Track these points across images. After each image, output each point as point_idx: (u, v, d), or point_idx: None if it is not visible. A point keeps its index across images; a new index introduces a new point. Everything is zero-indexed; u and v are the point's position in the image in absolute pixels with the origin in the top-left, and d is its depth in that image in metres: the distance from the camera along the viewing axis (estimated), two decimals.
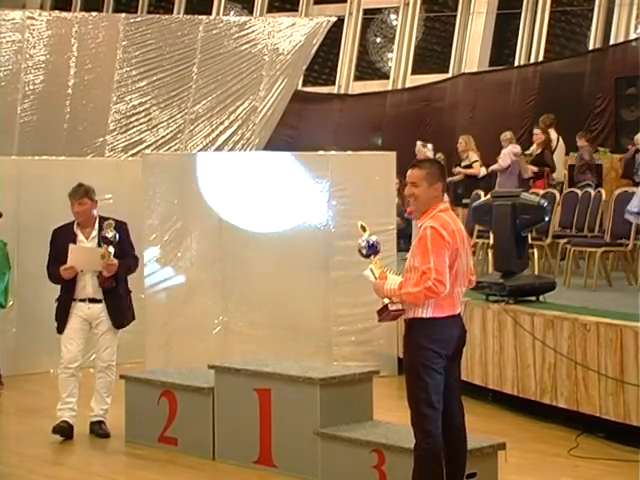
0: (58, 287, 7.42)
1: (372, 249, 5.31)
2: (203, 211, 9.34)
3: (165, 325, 9.07)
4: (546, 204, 8.52)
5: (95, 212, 7.40)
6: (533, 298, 8.20)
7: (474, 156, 13.31)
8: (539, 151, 12.49)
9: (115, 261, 7.14)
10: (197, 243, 9.29)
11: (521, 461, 6.38)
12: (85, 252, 7.32)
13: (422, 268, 5.00)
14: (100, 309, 7.29)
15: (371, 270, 5.29)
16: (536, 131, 12.77)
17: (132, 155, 14.09)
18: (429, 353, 5.06)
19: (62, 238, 7.35)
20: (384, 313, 5.19)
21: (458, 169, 13.32)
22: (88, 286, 7.29)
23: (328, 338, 9.37)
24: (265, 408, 6.43)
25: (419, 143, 13.18)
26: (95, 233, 7.35)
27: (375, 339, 9.44)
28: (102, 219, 7.35)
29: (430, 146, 13.17)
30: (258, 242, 9.40)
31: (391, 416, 6.34)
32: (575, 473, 6.45)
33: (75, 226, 7.40)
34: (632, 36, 17.19)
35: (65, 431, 7.19)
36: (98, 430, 7.28)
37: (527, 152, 12.85)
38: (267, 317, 9.25)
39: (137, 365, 9.00)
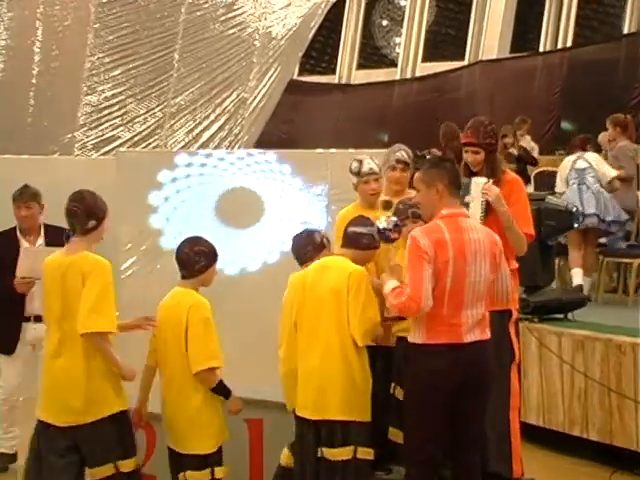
0: None
1: (385, 236, 5.46)
2: (190, 214, 9.34)
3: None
4: (575, 209, 8.55)
5: (41, 218, 7.42)
6: (561, 316, 8.22)
7: None
8: None
9: None
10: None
11: None
12: (41, 253, 7.13)
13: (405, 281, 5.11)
14: None
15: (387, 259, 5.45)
16: None
17: (105, 153, 14.12)
18: (422, 385, 5.09)
19: (3, 246, 7.25)
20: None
21: None
22: (35, 300, 7.12)
23: None
24: (256, 440, 6.45)
25: None
26: (42, 241, 7.36)
27: None
28: (47, 227, 7.38)
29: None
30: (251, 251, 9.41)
31: None
32: None
33: (18, 233, 7.40)
34: None
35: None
36: None
37: None
38: (257, 335, 9.23)
39: None
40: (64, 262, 5.64)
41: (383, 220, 5.50)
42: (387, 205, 5.60)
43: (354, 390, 5.57)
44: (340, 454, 5.53)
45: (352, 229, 5.77)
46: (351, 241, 5.75)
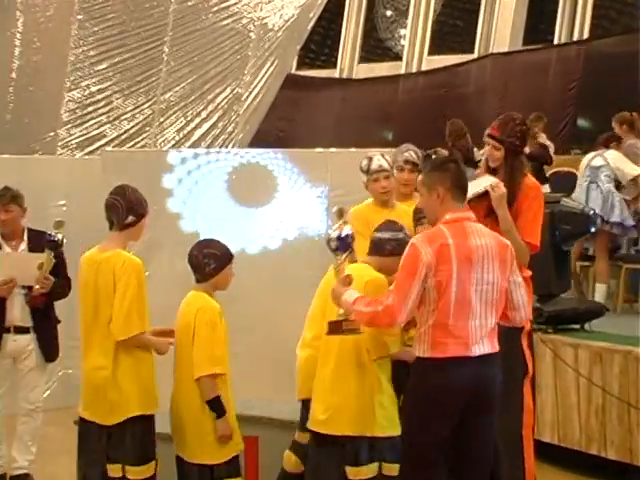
0: None
1: (342, 244, 5.37)
2: (177, 220, 9.35)
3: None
4: (592, 212, 8.54)
5: (23, 222, 7.43)
6: (577, 326, 8.20)
7: None
8: None
9: (51, 277, 7.03)
10: (170, 259, 9.28)
11: None
12: (21, 259, 7.26)
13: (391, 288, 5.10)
14: (28, 341, 7.28)
15: (336, 270, 5.39)
16: None
17: (89, 153, 14.10)
18: (424, 401, 5.06)
19: None
20: (335, 328, 5.30)
21: None
22: (15, 309, 7.21)
23: None
24: (251, 459, 6.43)
25: None
26: (24, 246, 7.39)
27: None
28: (30, 231, 7.39)
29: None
30: (244, 257, 9.41)
31: None
32: None
33: (0, 238, 7.42)
34: None
35: None
36: None
37: None
38: (254, 347, 9.24)
39: None
40: (97, 259, 5.80)
41: (336, 228, 5.46)
42: (340, 213, 5.57)
43: (371, 404, 5.55)
44: (358, 473, 5.52)
45: (377, 235, 5.76)
46: (375, 247, 5.74)
